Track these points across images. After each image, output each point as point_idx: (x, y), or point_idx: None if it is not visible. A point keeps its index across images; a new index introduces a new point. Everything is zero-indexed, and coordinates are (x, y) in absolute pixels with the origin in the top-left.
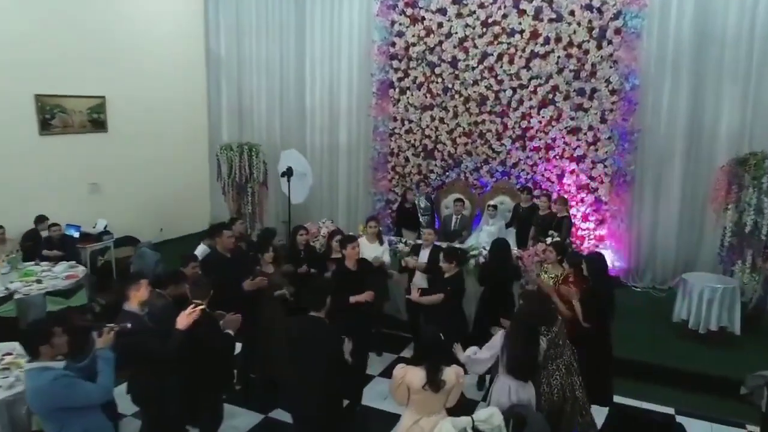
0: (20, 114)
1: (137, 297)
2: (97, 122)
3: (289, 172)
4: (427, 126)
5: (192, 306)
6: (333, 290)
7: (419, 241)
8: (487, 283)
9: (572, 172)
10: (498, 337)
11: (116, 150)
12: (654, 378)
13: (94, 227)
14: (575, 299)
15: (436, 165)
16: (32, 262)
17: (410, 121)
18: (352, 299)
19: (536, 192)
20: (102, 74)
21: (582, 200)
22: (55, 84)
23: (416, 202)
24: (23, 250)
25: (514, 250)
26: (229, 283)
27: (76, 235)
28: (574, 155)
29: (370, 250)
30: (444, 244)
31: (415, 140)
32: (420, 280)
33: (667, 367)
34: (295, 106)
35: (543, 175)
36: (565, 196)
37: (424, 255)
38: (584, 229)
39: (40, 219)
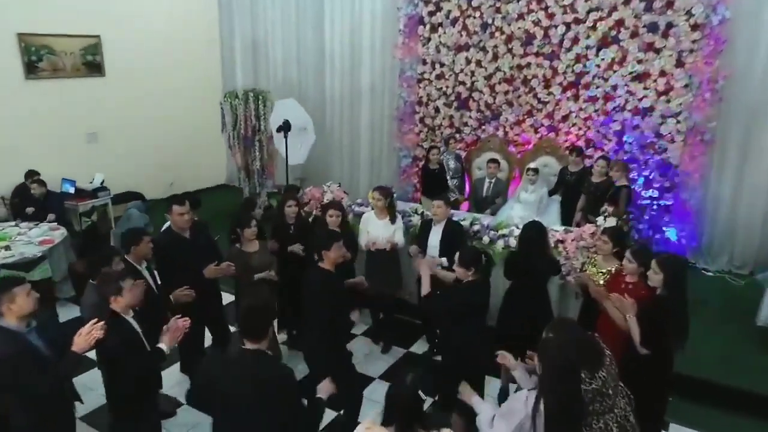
0: (1, 56)
1: (17, 308)
2: (92, 65)
3: (285, 127)
4: (462, 70)
5: (94, 321)
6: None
7: (431, 214)
8: (513, 278)
9: (636, 128)
10: (520, 401)
11: (116, 96)
12: (725, 402)
13: (91, 182)
14: (631, 314)
15: (470, 117)
16: (12, 223)
17: (442, 65)
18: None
19: (589, 152)
20: (96, 10)
21: (646, 163)
22: (40, 22)
23: (444, 162)
24: (12, 208)
25: (556, 230)
26: (188, 270)
27: (72, 190)
28: (640, 107)
29: (379, 228)
30: (467, 219)
31: (447, 87)
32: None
33: (743, 390)
34: (313, 45)
35: (599, 132)
36: (625, 161)
37: (435, 235)
38: (646, 198)
39: (30, 174)
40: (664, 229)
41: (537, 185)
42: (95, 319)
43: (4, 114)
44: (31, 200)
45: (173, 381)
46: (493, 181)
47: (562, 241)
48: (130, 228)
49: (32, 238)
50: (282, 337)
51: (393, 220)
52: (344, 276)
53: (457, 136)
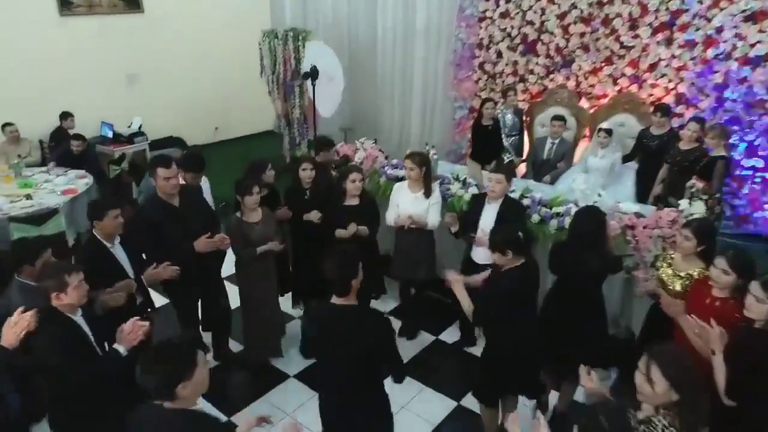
0: None
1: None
2: (130, 0)
3: (312, 73)
4: (530, 8)
5: (22, 309)
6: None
7: (488, 185)
8: (559, 275)
9: (743, 81)
10: None
11: (156, 34)
12: None
13: (129, 126)
14: (717, 349)
15: (537, 63)
16: (44, 168)
17: (508, 1)
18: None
19: (678, 110)
20: None
21: (751, 125)
22: None
23: (500, 117)
24: (49, 152)
25: (625, 212)
26: (176, 244)
27: (110, 135)
28: (750, 56)
29: (410, 202)
30: (517, 190)
31: (512, 28)
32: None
33: None
34: None
35: (694, 86)
36: (724, 124)
37: (489, 215)
38: (747, 168)
39: (65, 116)
40: (766, 207)
41: (609, 149)
42: (22, 307)
43: (39, 53)
44: (70, 156)
45: None
46: (556, 141)
47: (631, 227)
48: (92, 200)
49: (57, 187)
50: (298, 311)
51: (428, 194)
52: (370, 255)
53: (520, 86)
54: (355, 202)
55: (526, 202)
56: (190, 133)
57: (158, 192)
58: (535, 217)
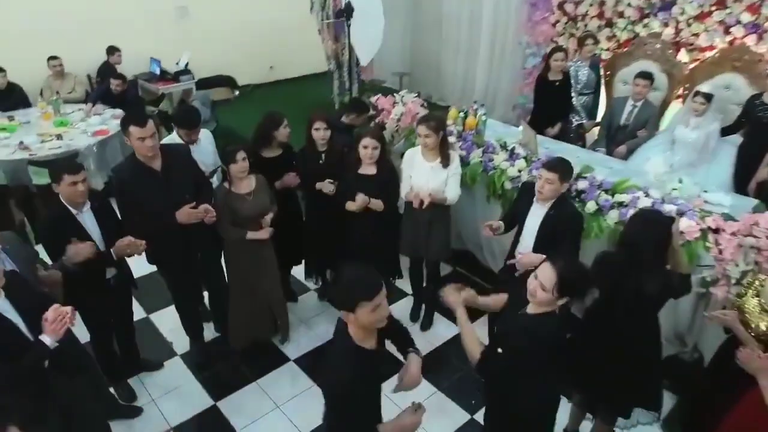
0: None
1: None
2: None
3: (347, 10)
4: None
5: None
6: None
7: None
8: (604, 294)
9: None
10: None
11: None
12: None
13: (177, 63)
14: None
15: (629, 5)
16: (86, 105)
17: None
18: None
19: None
20: None
21: None
22: None
23: (572, 71)
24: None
25: (711, 208)
26: (156, 214)
27: (158, 72)
28: None
29: (425, 173)
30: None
31: None
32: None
33: None
34: None
35: None
36: None
37: (534, 218)
38: None
39: (111, 50)
40: None
41: (705, 119)
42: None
43: None
44: (110, 96)
45: (171, 325)
46: (639, 104)
47: (715, 230)
48: (51, 161)
49: (89, 127)
50: (311, 284)
51: (446, 163)
52: (388, 232)
53: (606, 32)
54: (371, 171)
55: (582, 184)
56: (242, 72)
57: (136, 153)
58: (591, 205)
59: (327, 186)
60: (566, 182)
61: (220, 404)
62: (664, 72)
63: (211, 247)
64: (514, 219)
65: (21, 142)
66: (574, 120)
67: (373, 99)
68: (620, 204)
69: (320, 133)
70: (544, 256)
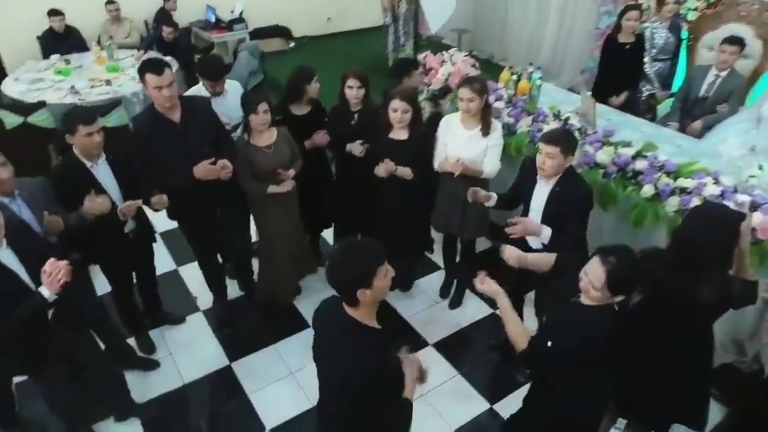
0: None
1: None
2: None
3: None
4: None
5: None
6: None
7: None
8: (652, 300)
9: None
10: None
11: None
12: None
13: (232, 11)
14: None
15: None
16: (137, 52)
17: None
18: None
19: None
20: None
21: None
22: None
23: (648, 33)
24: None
25: None
26: (173, 168)
27: (213, 19)
28: None
29: (462, 142)
30: (635, 145)
31: None
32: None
33: None
34: None
35: None
36: None
37: (539, 196)
38: None
39: None
40: None
41: None
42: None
43: None
44: (162, 43)
45: (198, 280)
46: (723, 74)
47: None
48: (66, 112)
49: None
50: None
51: (486, 131)
52: (419, 202)
53: None
54: (402, 135)
55: (641, 164)
56: (298, 23)
57: (154, 103)
58: (648, 189)
59: (357, 147)
60: (570, 156)
61: (234, 365)
62: (759, 38)
63: (231, 203)
64: (518, 197)
65: (72, 86)
66: (644, 89)
67: (420, 56)
68: (683, 190)
69: (353, 91)
70: (543, 225)
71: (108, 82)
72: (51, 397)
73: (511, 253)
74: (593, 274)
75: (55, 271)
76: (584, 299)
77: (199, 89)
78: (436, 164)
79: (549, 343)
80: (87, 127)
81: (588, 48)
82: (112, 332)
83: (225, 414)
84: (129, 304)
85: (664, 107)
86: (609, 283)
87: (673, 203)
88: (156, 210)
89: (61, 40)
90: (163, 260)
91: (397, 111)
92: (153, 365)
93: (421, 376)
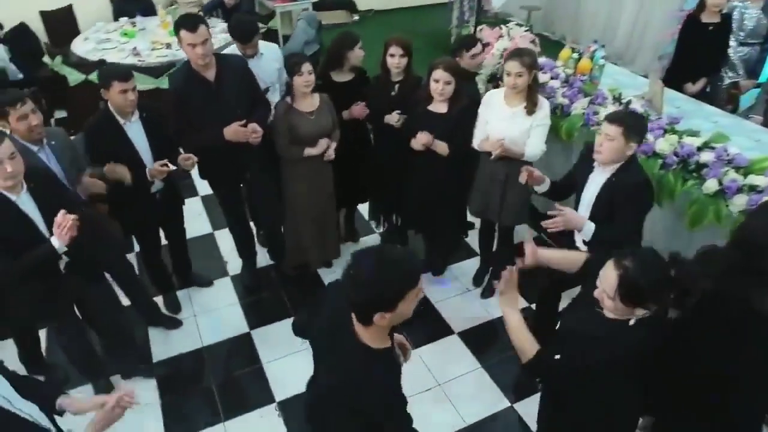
0: None
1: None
2: None
3: None
4: None
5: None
6: None
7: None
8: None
9: None
10: None
11: None
12: None
13: None
14: None
15: None
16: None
17: None
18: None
19: None
20: None
21: None
22: None
23: (735, 13)
24: None
25: None
26: (203, 126)
27: None
28: None
29: (506, 120)
30: (702, 137)
31: None
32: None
33: None
34: None
35: None
36: None
37: (592, 186)
38: None
39: None
40: None
41: None
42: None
43: None
44: (223, 9)
45: (231, 245)
46: None
47: None
48: (102, 67)
49: None
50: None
51: (531, 110)
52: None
53: None
54: (441, 108)
55: (706, 156)
56: None
57: (190, 61)
58: (711, 184)
59: (393, 117)
60: (633, 142)
61: (254, 333)
62: None
63: (261, 166)
64: (571, 186)
65: (134, 48)
66: (726, 77)
67: (479, 29)
68: (752, 188)
69: (395, 59)
70: (587, 220)
71: (168, 46)
72: (64, 344)
73: (531, 250)
74: (606, 281)
75: (65, 223)
76: (606, 311)
77: (235, 49)
78: (476, 142)
79: (557, 357)
80: (122, 83)
81: (669, 32)
82: (137, 288)
83: (237, 380)
84: (155, 263)
85: (747, 98)
86: (621, 292)
87: (738, 202)
88: (185, 170)
89: (132, 3)
90: (201, 223)
91: (439, 82)
92: (176, 324)
93: (404, 353)
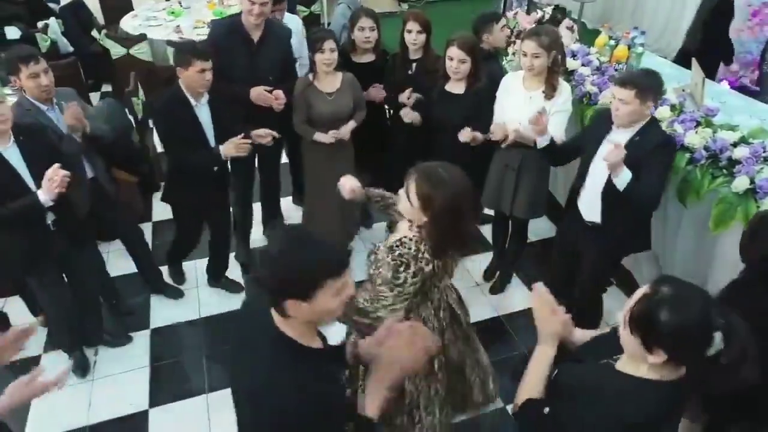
0: None
1: None
2: None
3: None
4: None
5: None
6: None
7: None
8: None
9: None
10: None
11: None
12: None
13: None
14: None
15: None
16: None
17: None
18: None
19: None
20: None
21: None
22: None
23: None
24: None
25: None
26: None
27: None
28: None
29: (523, 105)
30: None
31: None
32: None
33: None
34: None
35: None
36: None
37: (611, 146)
38: None
39: None
40: None
41: None
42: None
43: None
44: None
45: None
46: None
47: None
48: (181, 44)
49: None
50: None
51: (550, 94)
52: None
53: None
54: (458, 89)
55: (740, 151)
56: None
57: (242, 15)
58: (741, 182)
59: (405, 95)
60: (650, 102)
61: None
62: None
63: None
64: (574, 151)
65: (178, 26)
66: None
67: (509, 14)
68: None
69: (413, 35)
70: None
71: (209, 25)
72: (45, 302)
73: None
74: (632, 299)
75: (55, 177)
76: (625, 364)
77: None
78: (491, 129)
79: (546, 410)
80: (202, 62)
81: (734, 29)
82: (144, 255)
83: (227, 355)
84: (188, 240)
85: None
86: (634, 310)
87: None
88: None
89: None
90: None
91: (453, 60)
92: (177, 294)
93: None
